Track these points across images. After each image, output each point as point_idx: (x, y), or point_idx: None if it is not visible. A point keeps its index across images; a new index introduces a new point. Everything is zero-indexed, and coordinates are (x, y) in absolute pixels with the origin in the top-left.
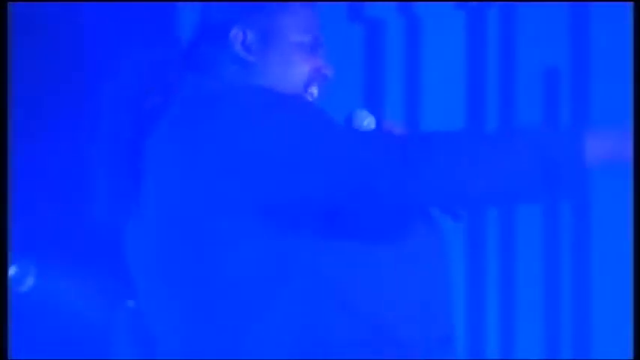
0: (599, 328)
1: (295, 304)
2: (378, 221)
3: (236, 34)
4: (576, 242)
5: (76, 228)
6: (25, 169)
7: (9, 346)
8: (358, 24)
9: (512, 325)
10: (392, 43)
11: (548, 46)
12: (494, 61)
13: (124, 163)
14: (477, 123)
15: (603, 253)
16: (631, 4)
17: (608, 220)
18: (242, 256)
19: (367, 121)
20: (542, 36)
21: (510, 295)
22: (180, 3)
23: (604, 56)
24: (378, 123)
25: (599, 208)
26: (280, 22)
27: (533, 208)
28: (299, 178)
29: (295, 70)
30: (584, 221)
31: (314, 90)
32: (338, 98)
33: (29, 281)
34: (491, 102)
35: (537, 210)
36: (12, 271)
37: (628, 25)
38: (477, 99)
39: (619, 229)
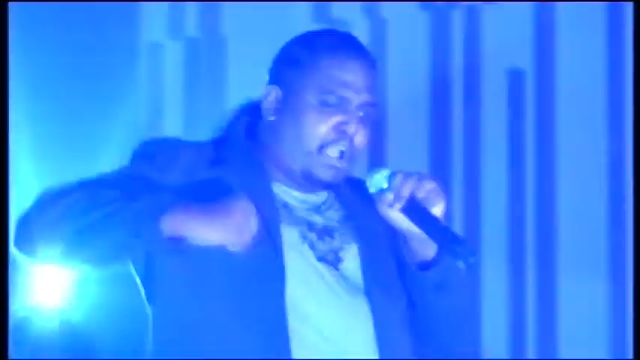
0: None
1: None
2: None
3: (266, 92)
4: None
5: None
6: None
7: (9, 346)
8: (323, 25)
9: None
10: None
11: (513, 48)
12: (459, 62)
13: None
14: (441, 124)
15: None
16: (631, 4)
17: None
18: None
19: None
20: (507, 37)
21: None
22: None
23: (569, 57)
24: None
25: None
26: (301, 80)
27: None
28: None
29: (308, 131)
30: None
31: (332, 152)
32: None
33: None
34: (456, 103)
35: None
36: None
37: (594, 25)
38: (443, 100)
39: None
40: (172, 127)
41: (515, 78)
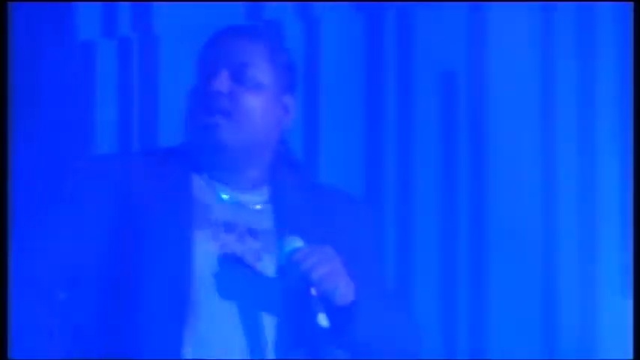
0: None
1: None
2: None
3: None
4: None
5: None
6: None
7: (9, 346)
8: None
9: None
10: (290, 44)
11: (446, 49)
12: (392, 64)
13: None
14: (375, 125)
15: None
16: (631, 4)
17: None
18: None
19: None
20: (440, 39)
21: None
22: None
23: (501, 59)
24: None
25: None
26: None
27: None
28: None
29: (195, 106)
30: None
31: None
32: None
33: None
34: (389, 104)
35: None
36: None
37: (525, 27)
38: (376, 101)
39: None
40: (105, 125)
41: (447, 79)
